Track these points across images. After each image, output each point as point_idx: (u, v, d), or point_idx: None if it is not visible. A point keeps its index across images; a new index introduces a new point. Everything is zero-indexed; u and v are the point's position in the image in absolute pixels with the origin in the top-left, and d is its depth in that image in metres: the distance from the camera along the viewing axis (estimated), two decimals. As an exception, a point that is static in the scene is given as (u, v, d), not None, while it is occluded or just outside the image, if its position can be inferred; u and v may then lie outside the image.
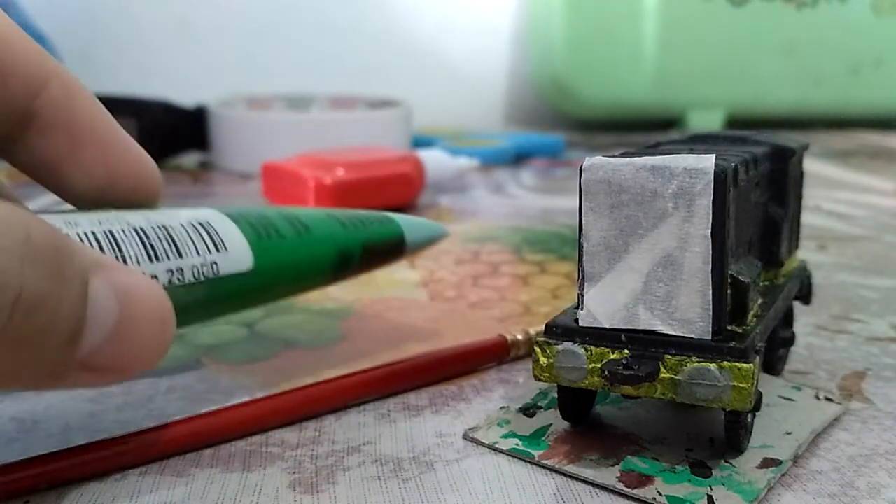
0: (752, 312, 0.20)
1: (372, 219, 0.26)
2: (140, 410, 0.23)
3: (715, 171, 0.18)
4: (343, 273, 0.25)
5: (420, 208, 0.50)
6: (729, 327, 0.19)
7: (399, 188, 0.49)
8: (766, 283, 0.24)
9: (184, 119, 0.63)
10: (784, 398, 0.23)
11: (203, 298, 0.21)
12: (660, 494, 0.19)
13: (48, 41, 0.68)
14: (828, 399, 0.23)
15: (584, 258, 0.20)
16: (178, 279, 0.20)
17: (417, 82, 0.86)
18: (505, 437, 0.22)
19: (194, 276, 0.20)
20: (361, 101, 0.67)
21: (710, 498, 0.18)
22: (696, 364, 0.19)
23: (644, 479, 0.19)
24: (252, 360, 0.27)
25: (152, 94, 0.65)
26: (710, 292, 0.19)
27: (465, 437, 0.22)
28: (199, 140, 0.63)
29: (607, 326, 0.20)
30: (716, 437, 0.21)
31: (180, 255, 0.20)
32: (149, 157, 0.23)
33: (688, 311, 0.19)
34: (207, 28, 0.83)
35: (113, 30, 0.82)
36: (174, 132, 0.64)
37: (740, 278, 0.20)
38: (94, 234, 0.19)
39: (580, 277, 0.20)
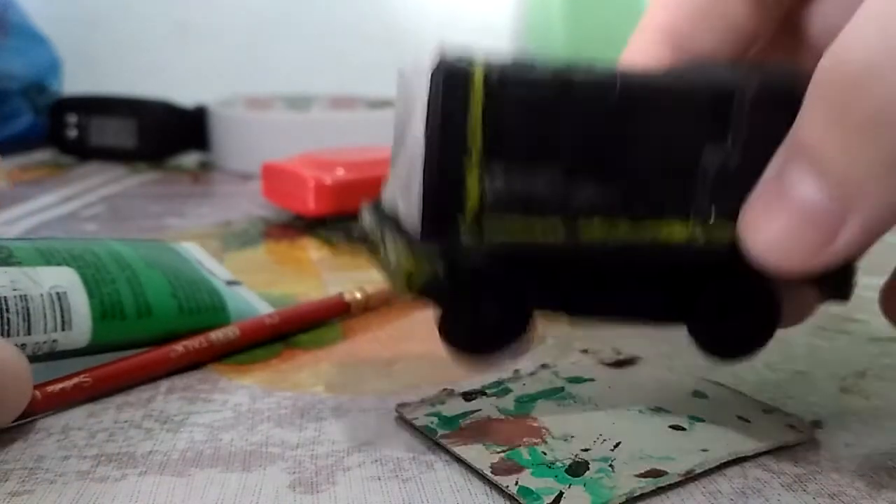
0: (506, 227, 0.19)
1: (208, 305, 0.28)
2: (140, 410, 0.23)
3: (434, 70, 0.18)
4: (161, 344, 0.26)
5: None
6: (466, 235, 0.19)
7: (399, 188, 0.49)
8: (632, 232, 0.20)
9: (184, 119, 0.63)
10: (741, 418, 0.23)
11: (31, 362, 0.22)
12: (515, 484, 0.19)
13: (48, 41, 0.68)
14: (791, 427, 0.22)
15: (392, 147, 0.21)
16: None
17: (417, 82, 0.85)
18: (428, 415, 0.23)
19: (33, 352, 0.23)
20: (361, 101, 0.67)
21: (560, 495, 0.19)
22: (390, 244, 0.20)
23: (514, 469, 0.20)
24: (252, 360, 0.27)
25: (152, 94, 0.65)
26: (421, 190, 0.19)
27: (396, 411, 0.23)
28: (199, 140, 0.63)
29: (385, 210, 0.21)
30: (623, 442, 0.21)
31: (29, 333, 0.23)
32: None
33: (415, 207, 0.19)
34: (207, 28, 0.83)
35: (113, 30, 0.82)
36: (174, 132, 0.64)
37: (486, 188, 0.19)
38: None
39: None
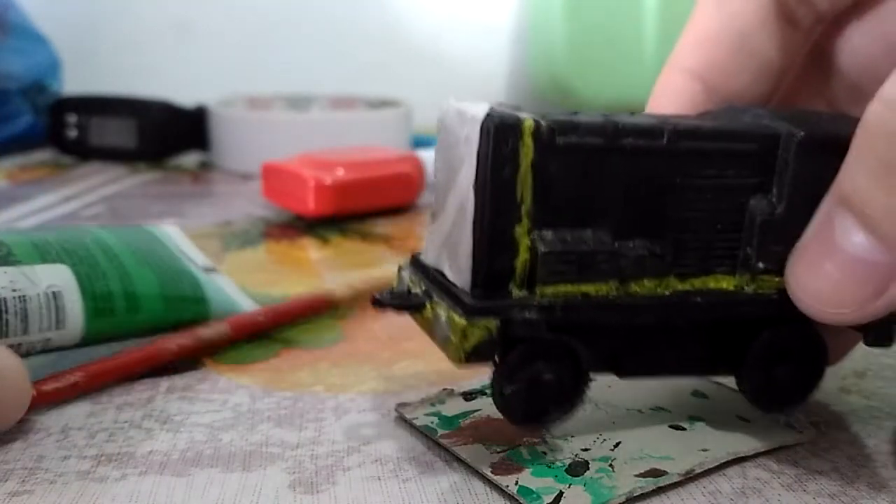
0: (559, 287, 0.19)
1: (191, 299, 0.29)
2: (140, 410, 0.23)
3: (484, 121, 0.18)
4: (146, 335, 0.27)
5: (420, 208, 0.50)
6: (517, 291, 0.19)
7: (399, 188, 0.49)
8: (686, 286, 0.20)
9: (184, 119, 0.63)
10: (741, 418, 0.23)
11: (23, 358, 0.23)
12: (515, 484, 0.19)
13: (48, 41, 0.68)
14: (791, 427, 0.22)
15: (434, 197, 0.21)
16: (14, 351, 0.22)
17: (417, 82, 0.85)
18: (428, 415, 0.22)
19: (27, 350, 0.24)
20: (361, 101, 0.67)
21: (560, 494, 0.19)
22: (439, 308, 0.19)
23: (514, 469, 0.20)
24: (252, 360, 0.27)
25: (152, 94, 0.65)
26: (472, 246, 0.18)
27: (396, 411, 0.23)
28: (199, 140, 0.63)
29: (427, 266, 0.20)
30: (623, 441, 0.21)
31: (26, 333, 0.24)
32: None
33: (464, 262, 0.19)
34: (207, 28, 0.83)
35: (113, 30, 0.82)
36: (174, 132, 0.64)
37: (537, 245, 0.19)
38: None
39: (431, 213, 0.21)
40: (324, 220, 0.45)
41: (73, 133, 0.64)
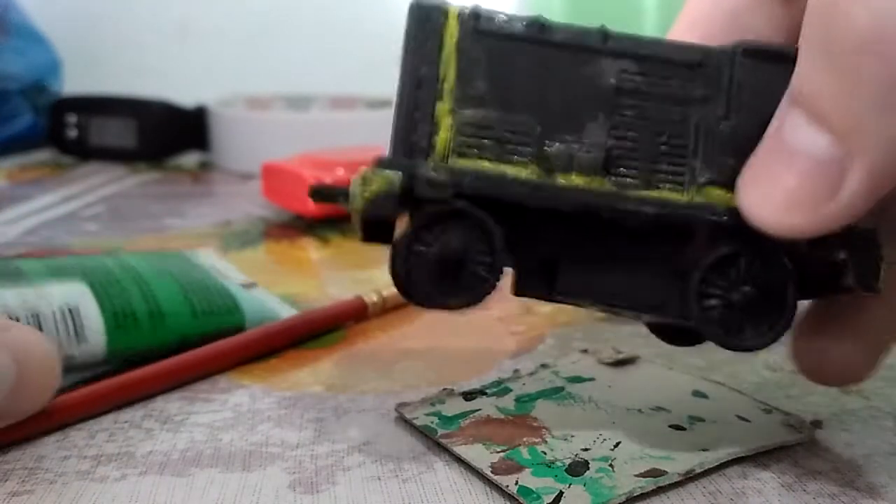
0: (476, 161, 0.19)
1: (220, 306, 0.28)
2: (140, 410, 0.23)
3: (410, 9, 0.19)
4: (180, 351, 0.26)
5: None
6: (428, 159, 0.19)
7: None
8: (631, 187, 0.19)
9: (184, 119, 0.63)
10: (741, 418, 0.23)
11: None
12: (515, 484, 0.19)
13: (48, 41, 0.68)
14: (791, 427, 0.22)
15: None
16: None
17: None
18: (428, 414, 0.22)
19: None
20: (361, 101, 0.67)
21: (560, 494, 0.19)
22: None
23: (514, 469, 0.20)
24: (252, 360, 0.27)
25: (152, 94, 0.64)
26: (394, 122, 0.19)
27: (396, 411, 0.23)
28: (199, 140, 0.63)
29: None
30: (623, 441, 0.21)
31: None
32: None
33: (390, 139, 0.19)
34: (207, 28, 0.83)
35: (113, 30, 0.82)
36: (174, 132, 0.64)
37: (456, 120, 0.19)
38: None
39: None
40: (324, 220, 0.45)
41: (73, 133, 0.64)
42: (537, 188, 0.19)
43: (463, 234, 0.18)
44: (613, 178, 0.19)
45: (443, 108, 0.19)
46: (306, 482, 0.20)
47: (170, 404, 0.24)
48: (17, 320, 0.23)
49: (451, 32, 0.19)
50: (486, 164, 0.19)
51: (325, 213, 0.45)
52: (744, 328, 0.19)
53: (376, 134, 0.60)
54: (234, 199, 0.52)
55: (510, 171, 0.19)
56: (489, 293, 0.19)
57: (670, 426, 0.22)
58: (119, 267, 0.26)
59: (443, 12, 0.19)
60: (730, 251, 0.19)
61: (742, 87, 0.19)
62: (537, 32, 0.19)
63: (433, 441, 0.22)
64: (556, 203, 0.19)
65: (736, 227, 0.18)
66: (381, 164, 0.19)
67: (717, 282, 0.19)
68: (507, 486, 0.19)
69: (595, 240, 0.19)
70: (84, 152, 0.64)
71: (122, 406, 0.23)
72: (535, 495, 0.19)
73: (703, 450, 0.21)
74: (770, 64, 0.19)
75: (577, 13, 0.80)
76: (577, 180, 0.19)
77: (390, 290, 0.31)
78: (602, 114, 0.19)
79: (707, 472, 0.20)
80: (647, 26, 0.81)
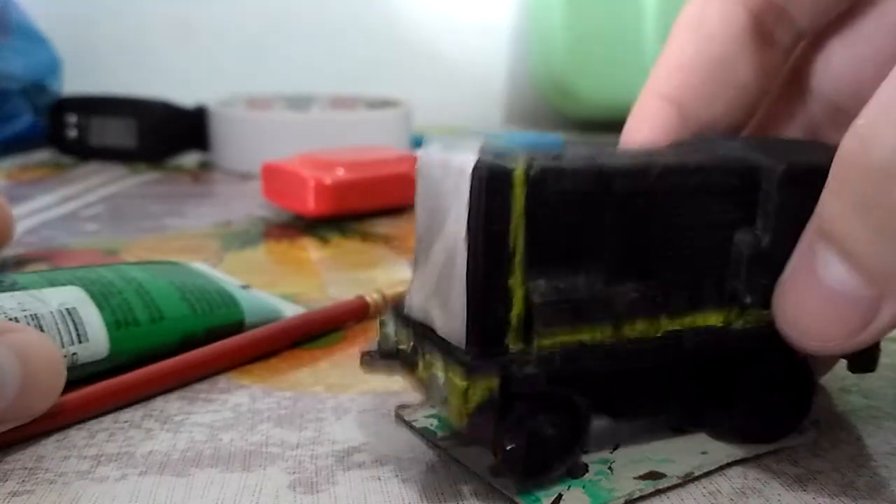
0: (555, 337, 0.18)
1: (219, 303, 0.28)
2: (140, 410, 0.23)
3: (474, 172, 0.17)
4: (183, 350, 0.26)
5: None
6: (514, 345, 0.18)
7: (399, 188, 0.49)
8: (669, 326, 0.20)
9: (184, 119, 0.63)
10: None
11: None
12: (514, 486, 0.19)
13: (48, 41, 0.68)
14: None
15: (416, 246, 0.20)
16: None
17: (417, 82, 0.85)
18: (428, 416, 0.22)
19: None
20: (361, 101, 0.67)
21: (559, 496, 0.19)
22: (434, 368, 0.18)
23: None
24: (252, 360, 0.27)
25: (152, 94, 0.65)
26: (465, 300, 0.18)
27: (395, 414, 0.23)
28: (199, 140, 0.63)
29: (414, 318, 0.20)
30: (622, 443, 0.21)
31: None
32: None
33: (456, 316, 0.18)
34: (207, 28, 0.83)
35: (113, 30, 0.82)
36: (174, 132, 0.64)
37: (532, 296, 0.18)
38: None
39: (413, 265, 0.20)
40: (324, 220, 0.45)
41: (73, 133, 0.64)
42: (611, 353, 0.19)
43: (553, 415, 0.19)
44: (667, 311, 0.20)
45: (515, 281, 0.18)
46: (306, 482, 0.20)
47: (170, 404, 0.24)
48: (16, 322, 0.23)
49: (518, 200, 0.17)
50: (564, 339, 0.18)
51: (325, 213, 0.45)
52: (782, 424, 0.22)
53: (376, 134, 0.60)
54: (234, 199, 0.52)
55: (586, 336, 0.19)
56: (579, 454, 0.20)
57: (670, 428, 0.22)
58: (114, 275, 0.27)
59: (510, 177, 0.17)
60: (768, 366, 0.21)
61: (780, 208, 0.20)
62: (600, 186, 0.18)
63: (433, 443, 0.21)
64: (629, 363, 0.19)
65: (770, 340, 0.20)
66: (469, 367, 0.17)
67: (753, 389, 0.21)
68: (507, 488, 0.19)
69: (649, 371, 0.20)
70: (84, 152, 0.64)
71: (122, 406, 0.24)
72: (533, 497, 0.19)
73: (703, 452, 0.21)
74: (806, 186, 0.19)
75: (577, 13, 0.80)
76: (640, 327, 0.19)
77: (391, 289, 0.31)
78: (655, 253, 0.19)
79: (706, 475, 0.20)
80: (648, 26, 0.81)
